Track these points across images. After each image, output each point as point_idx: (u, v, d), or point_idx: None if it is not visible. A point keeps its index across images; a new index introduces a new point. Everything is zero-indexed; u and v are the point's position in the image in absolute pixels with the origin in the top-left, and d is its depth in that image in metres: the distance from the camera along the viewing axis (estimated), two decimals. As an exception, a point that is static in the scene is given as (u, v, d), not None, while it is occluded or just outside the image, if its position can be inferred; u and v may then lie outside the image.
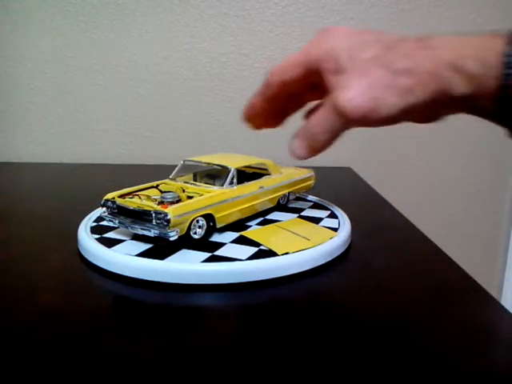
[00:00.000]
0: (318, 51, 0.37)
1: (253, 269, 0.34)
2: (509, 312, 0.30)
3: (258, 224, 0.43)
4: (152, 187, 0.42)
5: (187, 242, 0.37)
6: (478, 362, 0.25)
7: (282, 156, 0.85)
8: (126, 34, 0.80)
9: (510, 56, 0.28)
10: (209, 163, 0.43)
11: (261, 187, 0.44)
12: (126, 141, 0.84)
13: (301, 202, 0.51)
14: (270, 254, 0.36)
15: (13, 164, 0.79)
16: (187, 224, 0.36)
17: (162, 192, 0.42)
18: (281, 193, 0.47)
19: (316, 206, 0.50)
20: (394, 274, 0.36)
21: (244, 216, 0.43)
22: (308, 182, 0.51)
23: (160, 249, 0.36)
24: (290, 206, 0.49)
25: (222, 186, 0.41)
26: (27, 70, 0.80)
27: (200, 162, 0.44)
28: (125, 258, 0.34)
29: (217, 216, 0.39)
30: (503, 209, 0.94)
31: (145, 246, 0.36)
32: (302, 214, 0.47)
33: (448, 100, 0.31)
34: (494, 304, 0.32)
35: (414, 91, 0.31)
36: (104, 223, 0.42)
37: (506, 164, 0.92)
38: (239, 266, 0.34)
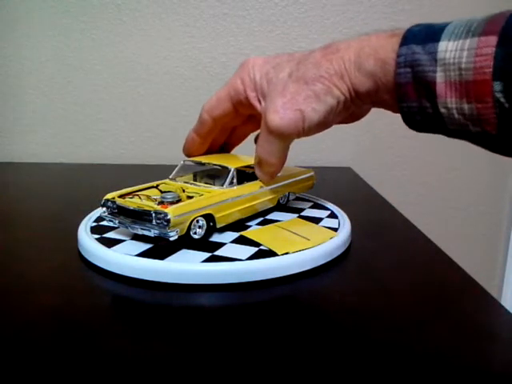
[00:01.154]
0: (239, 84, 0.40)
1: (253, 269, 0.34)
2: (509, 312, 0.30)
3: (258, 224, 0.43)
4: (152, 187, 0.42)
5: (187, 241, 0.37)
6: (478, 362, 0.25)
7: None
8: (126, 33, 0.80)
9: (402, 56, 0.29)
10: (209, 163, 0.43)
11: (261, 187, 0.44)
12: (126, 141, 0.84)
13: (301, 202, 0.51)
14: (270, 254, 0.36)
15: (13, 164, 0.79)
16: (187, 224, 0.36)
17: (162, 192, 0.41)
18: (281, 193, 0.47)
19: (316, 205, 0.50)
20: (393, 274, 0.36)
21: (244, 216, 0.42)
22: (308, 182, 0.51)
23: (160, 249, 0.36)
24: (290, 206, 0.49)
25: (222, 186, 0.41)
26: (27, 69, 0.80)
27: (200, 162, 0.44)
28: (125, 258, 0.34)
29: (217, 216, 0.39)
30: (503, 209, 0.94)
31: (145, 246, 0.36)
32: (302, 214, 0.47)
33: (360, 96, 0.34)
34: (494, 304, 0.32)
35: (330, 93, 0.34)
36: (104, 223, 0.42)
37: (505, 164, 0.92)
38: (239, 266, 0.34)
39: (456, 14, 0.87)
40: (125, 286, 0.33)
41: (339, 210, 0.48)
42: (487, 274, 0.97)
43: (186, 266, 0.33)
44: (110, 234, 0.39)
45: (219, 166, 0.43)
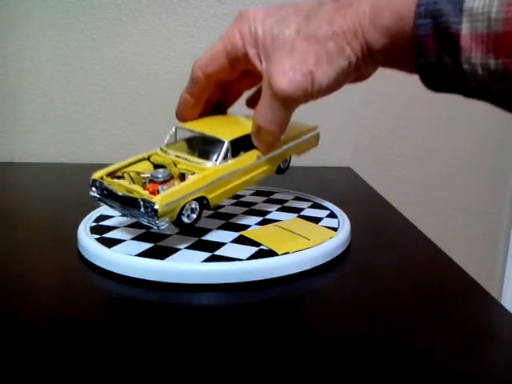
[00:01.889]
0: (238, 39, 0.36)
1: (253, 269, 0.34)
2: (509, 312, 0.30)
3: (258, 224, 0.43)
4: (143, 159, 0.40)
5: (179, 227, 0.36)
6: (478, 362, 0.25)
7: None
8: (126, 33, 0.80)
9: (422, 6, 0.26)
10: (202, 133, 0.39)
11: (259, 157, 0.40)
12: (126, 141, 0.84)
13: (301, 202, 0.51)
14: (270, 253, 0.36)
15: (13, 164, 0.79)
16: (177, 211, 0.34)
17: (153, 165, 0.39)
18: (282, 158, 0.43)
19: (316, 205, 0.50)
20: (393, 274, 0.36)
21: (240, 190, 0.40)
22: (313, 141, 0.47)
23: (160, 249, 0.36)
24: (290, 205, 0.49)
25: (216, 161, 0.37)
26: (27, 69, 0.80)
27: (193, 130, 0.40)
28: (125, 258, 0.34)
29: (210, 197, 0.37)
30: (503, 209, 0.94)
31: (145, 246, 0.36)
32: (302, 213, 0.47)
33: (373, 54, 0.31)
34: (494, 304, 0.32)
35: (343, 54, 0.31)
36: (104, 223, 0.42)
37: (506, 164, 0.92)
38: (239, 266, 0.34)
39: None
40: (125, 285, 0.33)
41: (339, 209, 0.48)
42: (487, 274, 0.96)
43: (186, 266, 0.33)
44: (110, 234, 0.39)
45: (212, 137, 0.39)
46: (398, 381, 0.23)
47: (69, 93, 0.82)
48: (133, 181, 0.38)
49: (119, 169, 0.38)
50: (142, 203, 0.34)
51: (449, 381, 0.23)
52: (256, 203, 0.50)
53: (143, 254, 0.35)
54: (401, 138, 0.88)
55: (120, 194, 0.35)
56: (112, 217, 0.43)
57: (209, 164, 0.37)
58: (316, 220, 0.44)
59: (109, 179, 0.37)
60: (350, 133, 0.86)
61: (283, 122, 0.35)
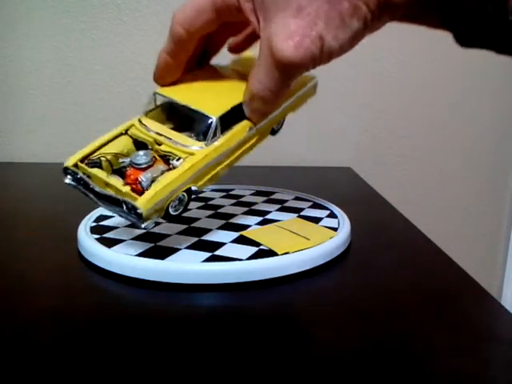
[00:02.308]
0: None
1: (253, 269, 0.34)
2: (509, 312, 0.30)
3: (258, 224, 0.43)
4: (121, 134, 0.35)
5: (166, 219, 0.33)
6: (478, 362, 0.25)
7: (287, 154, 0.85)
8: (126, 33, 0.80)
9: None
10: (185, 106, 0.34)
11: (251, 128, 0.35)
12: (126, 141, 0.84)
13: (301, 202, 0.51)
14: (270, 253, 0.36)
15: (13, 164, 0.79)
16: (165, 207, 0.32)
17: (133, 139, 0.35)
18: (277, 121, 0.38)
19: (315, 205, 0.50)
20: (393, 274, 0.36)
21: (230, 167, 0.36)
22: (310, 92, 0.41)
23: (160, 249, 0.36)
24: (290, 205, 0.49)
25: (204, 141, 0.33)
26: (27, 69, 0.80)
27: (176, 101, 0.35)
28: (125, 258, 0.34)
29: (199, 184, 0.34)
30: (503, 209, 0.94)
31: (145, 246, 0.36)
32: (302, 213, 0.47)
33: (392, 9, 0.26)
34: (494, 304, 0.32)
35: (357, 14, 0.26)
36: (104, 223, 0.42)
37: (506, 164, 0.92)
38: (239, 266, 0.34)
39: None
40: (125, 285, 0.33)
41: (339, 209, 0.48)
42: (487, 274, 0.97)
43: (186, 266, 0.33)
44: (110, 234, 0.39)
45: (199, 112, 0.34)
46: (397, 381, 0.23)
47: (69, 93, 0.82)
48: (111, 166, 0.34)
49: (95, 150, 0.34)
50: (123, 204, 0.31)
51: (449, 381, 0.23)
52: (256, 203, 0.50)
53: (143, 254, 0.35)
54: (401, 137, 0.88)
55: (98, 190, 0.32)
56: (112, 217, 0.43)
57: (195, 147, 0.33)
58: (316, 220, 0.44)
59: (84, 166, 0.33)
60: (350, 133, 0.86)
61: (283, 91, 0.31)
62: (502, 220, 0.95)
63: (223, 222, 0.43)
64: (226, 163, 0.35)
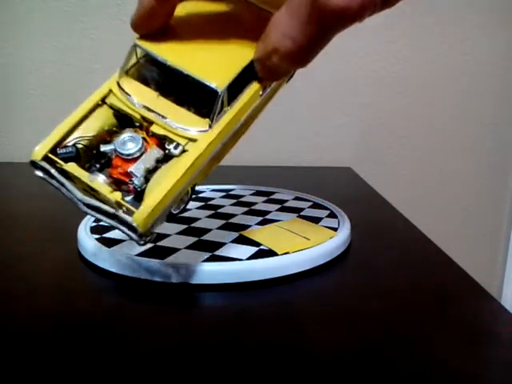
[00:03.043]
0: None
1: (253, 269, 0.34)
2: (509, 312, 0.30)
3: (258, 224, 0.43)
4: (98, 106, 0.27)
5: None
6: (478, 362, 0.25)
7: (287, 154, 0.85)
8: (126, 34, 0.80)
9: None
10: (181, 70, 0.25)
11: (262, 92, 0.27)
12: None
13: (301, 202, 0.51)
14: (270, 253, 0.36)
15: (13, 164, 0.79)
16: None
17: (114, 111, 0.27)
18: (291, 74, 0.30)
19: (315, 205, 0.50)
20: (393, 274, 0.36)
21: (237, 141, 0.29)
22: None
23: (160, 249, 0.36)
24: (290, 205, 0.49)
25: (207, 116, 0.25)
26: (27, 70, 0.80)
27: (166, 62, 0.26)
28: (125, 258, 0.34)
29: (203, 178, 0.28)
30: (503, 209, 0.94)
31: (145, 246, 0.36)
32: (302, 213, 0.47)
33: None
34: (494, 304, 0.32)
35: None
36: (104, 223, 0.42)
37: (506, 164, 0.92)
38: (239, 266, 0.34)
39: (456, 15, 0.87)
40: (125, 285, 0.33)
41: (339, 209, 0.48)
42: (487, 273, 0.96)
43: (186, 266, 0.33)
44: (110, 234, 0.39)
45: (199, 81, 0.25)
46: (397, 381, 0.23)
47: (69, 93, 0.82)
48: (91, 151, 0.27)
49: (69, 132, 0.26)
50: (115, 218, 0.25)
51: (449, 381, 0.23)
52: (256, 203, 0.50)
53: (143, 254, 0.35)
54: (401, 137, 0.88)
55: (79, 198, 0.26)
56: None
57: (197, 130, 0.25)
58: (316, 220, 0.44)
59: (57, 160, 0.25)
60: (350, 133, 0.86)
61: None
62: (502, 220, 0.95)
63: (223, 222, 0.43)
64: (233, 141, 0.28)
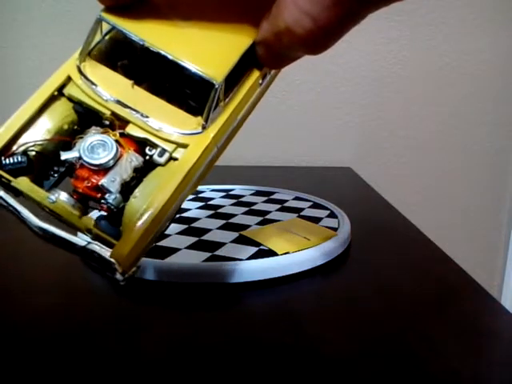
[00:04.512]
0: None
1: (253, 269, 0.34)
2: (509, 312, 0.30)
3: (258, 224, 0.43)
4: (53, 97, 0.21)
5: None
6: (478, 362, 0.25)
7: (287, 154, 0.85)
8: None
9: None
10: (162, 54, 0.20)
11: (263, 79, 0.23)
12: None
13: (301, 202, 0.51)
14: (270, 253, 0.36)
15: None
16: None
17: (73, 103, 0.20)
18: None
19: (315, 205, 0.50)
20: (393, 274, 0.36)
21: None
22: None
23: (160, 249, 0.36)
24: (290, 205, 0.49)
25: (199, 113, 0.20)
26: (27, 69, 0.80)
27: (140, 40, 0.20)
28: (125, 258, 0.34)
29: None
30: (503, 209, 0.94)
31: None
32: (302, 213, 0.47)
33: None
34: (494, 304, 0.32)
35: None
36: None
37: (506, 164, 0.92)
38: (239, 266, 0.34)
39: (456, 14, 0.87)
40: (125, 285, 0.33)
41: (339, 209, 0.48)
42: (487, 273, 0.96)
43: (187, 266, 0.33)
44: (110, 234, 0.39)
45: (189, 70, 0.20)
46: (398, 381, 0.23)
47: (69, 93, 0.82)
48: (48, 165, 0.20)
49: (17, 134, 0.20)
50: (87, 252, 0.19)
51: (449, 381, 0.23)
52: (256, 203, 0.50)
53: (143, 254, 0.35)
54: (401, 138, 0.88)
55: (36, 224, 0.19)
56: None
57: (188, 133, 0.20)
58: (316, 220, 0.44)
59: (3, 174, 0.19)
60: (350, 133, 0.86)
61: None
62: (502, 220, 0.95)
63: (223, 221, 0.43)
64: (230, 140, 0.23)
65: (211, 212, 0.46)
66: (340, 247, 0.39)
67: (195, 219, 0.43)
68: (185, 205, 0.48)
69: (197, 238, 0.38)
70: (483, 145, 0.90)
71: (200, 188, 0.56)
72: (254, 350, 0.25)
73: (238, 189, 0.56)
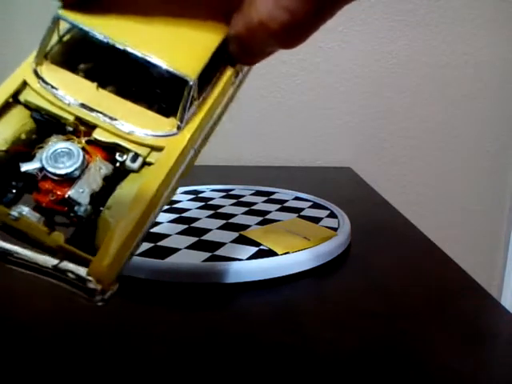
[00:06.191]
0: None
1: (253, 269, 0.34)
2: (509, 312, 0.30)
3: (258, 224, 0.43)
4: (8, 104, 0.19)
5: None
6: (478, 362, 0.25)
7: (287, 154, 0.85)
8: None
9: None
10: (130, 52, 0.18)
11: (236, 75, 0.22)
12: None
13: (300, 202, 0.51)
14: (270, 253, 0.36)
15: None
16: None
17: (31, 111, 0.19)
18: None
19: (315, 205, 0.50)
20: (393, 273, 0.36)
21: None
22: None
23: (160, 249, 0.36)
24: (290, 205, 0.49)
25: (172, 114, 0.19)
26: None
27: (103, 37, 0.18)
28: (125, 258, 0.34)
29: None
30: (503, 209, 0.94)
31: (145, 246, 0.36)
32: (302, 213, 0.47)
33: None
34: (494, 304, 0.32)
35: None
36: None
37: (505, 163, 0.92)
38: (239, 266, 0.34)
39: (456, 15, 0.87)
40: (125, 285, 0.33)
41: (339, 209, 0.48)
42: (487, 273, 0.96)
43: (186, 266, 0.33)
44: (110, 234, 0.39)
45: (161, 68, 0.18)
46: (398, 381, 0.23)
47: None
48: (5, 179, 0.18)
49: None
50: (55, 272, 0.17)
51: (449, 381, 0.23)
52: (256, 203, 0.50)
53: (143, 254, 0.35)
54: (401, 137, 0.88)
55: (4, 248, 0.16)
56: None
57: (162, 135, 0.19)
58: (316, 220, 0.44)
59: None
60: (350, 133, 0.86)
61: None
62: (502, 220, 0.95)
63: (223, 221, 0.43)
64: (206, 137, 0.22)
65: (211, 212, 0.46)
66: (340, 247, 0.39)
67: (195, 219, 0.43)
68: (184, 205, 0.48)
69: (197, 238, 0.38)
70: (483, 145, 0.90)
71: (200, 188, 0.56)
72: (253, 350, 0.25)
73: (237, 189, 0.56)
